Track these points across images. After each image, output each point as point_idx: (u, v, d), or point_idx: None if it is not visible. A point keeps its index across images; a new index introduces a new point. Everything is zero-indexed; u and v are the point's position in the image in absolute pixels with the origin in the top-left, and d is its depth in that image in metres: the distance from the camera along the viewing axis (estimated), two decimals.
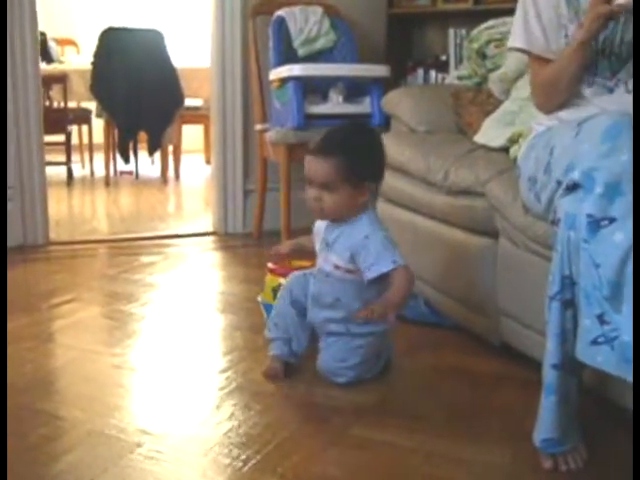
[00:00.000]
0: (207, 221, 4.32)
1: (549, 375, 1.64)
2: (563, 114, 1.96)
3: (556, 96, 1.96)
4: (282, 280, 2.49)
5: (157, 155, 6.18)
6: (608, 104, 1.87)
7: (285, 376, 2.17)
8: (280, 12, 3.80)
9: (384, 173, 2.14)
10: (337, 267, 2.10)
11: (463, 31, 3.97)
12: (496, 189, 2.26)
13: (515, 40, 2.06)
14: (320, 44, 3.83)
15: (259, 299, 2.61)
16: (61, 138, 5.75)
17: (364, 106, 3.55)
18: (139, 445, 1.76)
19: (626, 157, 1.51)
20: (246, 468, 1.66)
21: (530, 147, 2.01)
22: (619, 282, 1.44)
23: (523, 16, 2.02)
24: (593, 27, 1.83)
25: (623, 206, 1.47)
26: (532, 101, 2.12)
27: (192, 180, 6.33)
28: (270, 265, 2.58)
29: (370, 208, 2.13)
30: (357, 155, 2.05)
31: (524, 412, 1.87)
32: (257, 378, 2.17)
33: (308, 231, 2.28)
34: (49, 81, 5.47)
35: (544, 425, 1.66)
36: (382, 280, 2.05)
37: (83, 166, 6.70)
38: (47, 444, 1.78)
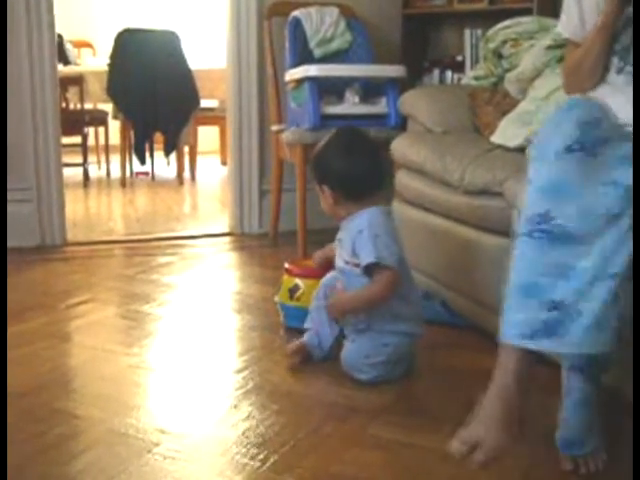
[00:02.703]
0: (223, 222, 4.33)
1: (567, 377, 1.64)
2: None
3: (581, 80, 1.99)
4: (298, 280, 2.50)
5: (173, 156, 6.19)
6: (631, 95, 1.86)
7: (302, 365, 2.25)
8: (296, 13, 3.80)
9: (350, 183, 2.16)
10: (347, 262, 2.18)
11: (479, 31, 3.96)
12: (514, 188, 2.24)
13: (559, 26, 2.12)
14: (336, 45, 3.83)
15: (276, 299, 2.61)
16: (77, 140, 5.78)
17: (380, 107, 3.54)
18: (157, 444, 1.77)
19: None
20: (264, 468, 1.67)
21: None
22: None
23: (566, 2, 2.07)
24: (609, 9, 1.87)
25: None
26: (562, 86, 2.15)
27: (208, 181, 6.34)
28: (287, 265, 2.59)
29: (376, 208, 2.17)
30: (316, 160, 2.24)
31: (543, 413, 1.86)
32: (274, 378, 2.18)
33: (323, 232, 2.29)
34: (66, 83, 5.50)
35: (564, 426, 1.66)
36: None
37: (99, 167, 6.73)
38: (65, 443, 1.79)
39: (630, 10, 1.88)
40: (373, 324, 2.16)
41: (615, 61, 1.93)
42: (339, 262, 2.22)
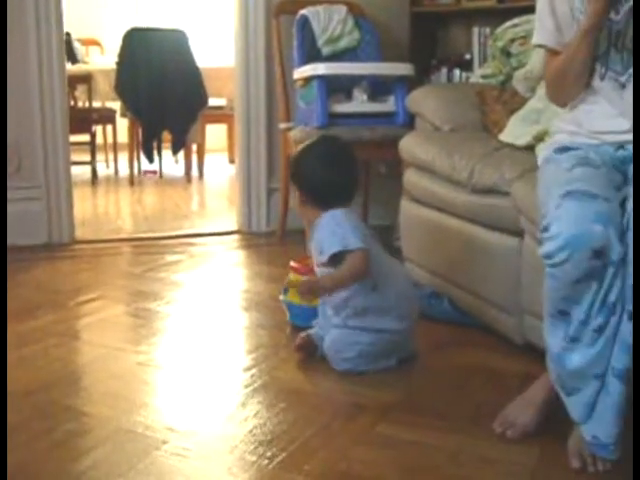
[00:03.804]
0: (231, 220, 4.33)
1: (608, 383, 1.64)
2: (580, 115, 1.93)
3: (566, 88, 1.93)
4: (307, 279, 2.49)
5: (181, 154, 6.19)
6: (620, 104, 1.84)
7: (309, 359, 2.28)
8: (304, 11, 3.80)
9: (315, 188, 2.25)
10: (318, 265, 2.24)
11: (487, 29, 3.95)
12: (521, 190, 2.24)
13: (534, 37, 2.05)
14: (344, 43, 3.83)
15: (281, 298, 2.61)
16: (86, 138, 5.78)
17: (388, 105, 3.55)
18: (165, 442, 1.77)
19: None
20: (272, 465, 1.67)
21: (545, 160, 1.98)
22: None
23: (539, 12, 2.01)
24: (595, 11, 1.80)
25: None
26: (546, 94, 2.11)
27: (216, 179, 6.34)
28: (293, 264, 2.59)
29: (335, 209, 2.21)
30: (292, 160, 2.36)
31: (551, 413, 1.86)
32: (282, 376, 2.18)
33: None
34: (74, 81, 5.50)
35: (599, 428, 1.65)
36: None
37: (107, 165, 6.73)
38: (74, 440, 1.80)
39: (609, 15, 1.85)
40: (347, 320, 2.21)
41: (597, 67, 1.88)
42: (315, 268, 2.28)
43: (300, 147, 2.35)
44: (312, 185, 2.25)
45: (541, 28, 1.99)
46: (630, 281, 1.54)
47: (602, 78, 1.87)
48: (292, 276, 2.57)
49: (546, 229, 1.61)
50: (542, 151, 2.11)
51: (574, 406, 1.67)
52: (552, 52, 1.98)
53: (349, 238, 2.13)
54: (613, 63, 1.86)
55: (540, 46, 2.04)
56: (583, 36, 1.84)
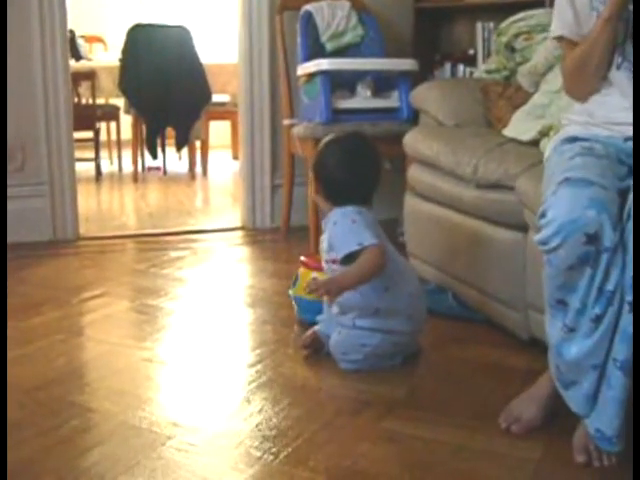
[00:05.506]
0: (235, 216, 4.34)
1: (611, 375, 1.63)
2: (592, 106, 1.93)
3: (585, 80, 1.92)
4: (316, 274, 2.49)
5: (185, 151, 6.20)
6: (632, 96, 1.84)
7: (315, 355, 2.28)
8: (308, 7, 3.80)
9: (329, 183, 2.24)
10: (327, 261, 2.23)
11: (491, 24, 3.94)
12: (525, 185, 2.24)
13: (552, 28, 2.03)
14: (348, 39, 3.82)
15: (290, 292, 2.61)
16: (90, 134, 5.78)
17: (392, 100, 3.54)
18: (170, 437, 1.78)
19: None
20: (277, 461, 1.67)
21: (553, 150, 1.97)
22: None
23: (558, 3, 1.99)
24: (614, 0, 1.79)
25: None
26: (563, 88, 2.09)
27: (219, 176, 6.34)
28: (303, 259, 2.58)
29: (348, 206, 2.20)
30: (317, 151, 2.32)
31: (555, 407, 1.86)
32: (287, 372, 2.18)
33: None
34: (77, 78, 5.49)
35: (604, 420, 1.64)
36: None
37: (111, 162, 6.73)
38: (79, 436, 1.80)
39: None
40: (356, 320, 2.19)
41: (614, 56, 1.86)
42: (323, 264, 2.27)
43: (328, 137, 2.32)
44: (327, 179, 2.24)
45: (560, 19, 1.97)
46: (630, 272, 1.54)
47: (618, 67, 1.86)
48: (302, 270, 2.56)
49: (543, 216, 1.62)
50: (550, 143, 2.10)
51: (573, 399, 1.67)
52: (570, 43, 1.96)
53: (363, 235, 2.11)
54: (628, 54, 1.85)
55: (559, 37, 2.02)
56: (603, 25, 1.83)
